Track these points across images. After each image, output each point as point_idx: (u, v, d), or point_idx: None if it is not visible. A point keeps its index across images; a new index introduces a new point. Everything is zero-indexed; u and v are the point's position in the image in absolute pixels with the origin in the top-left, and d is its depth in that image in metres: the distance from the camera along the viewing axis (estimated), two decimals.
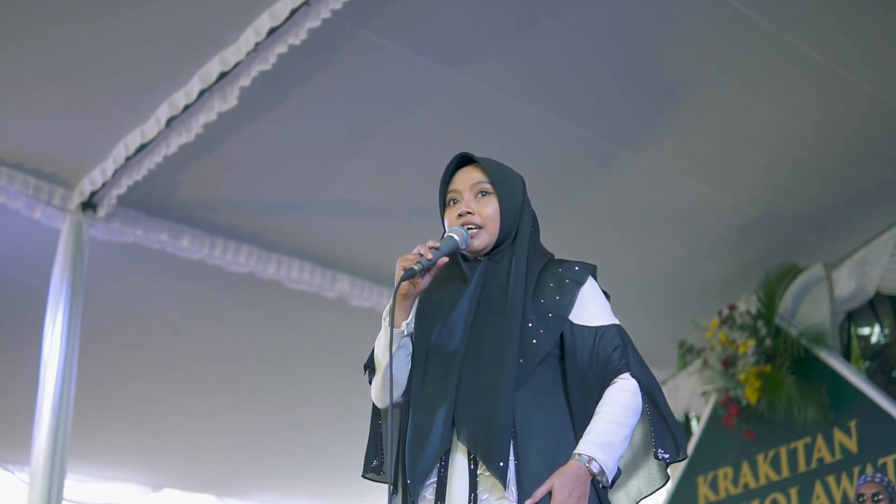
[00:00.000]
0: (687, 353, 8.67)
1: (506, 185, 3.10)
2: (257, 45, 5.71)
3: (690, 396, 8.94)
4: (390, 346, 2.91)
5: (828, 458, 7.27)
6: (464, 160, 3.15)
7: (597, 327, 2.98)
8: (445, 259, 2.93)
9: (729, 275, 8.25)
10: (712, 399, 8.20)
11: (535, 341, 2.91)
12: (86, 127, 6.53)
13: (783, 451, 7.59)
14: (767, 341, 7.66)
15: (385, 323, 2.96)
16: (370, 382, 3.08)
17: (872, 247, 7.66)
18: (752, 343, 7.68)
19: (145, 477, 10.81)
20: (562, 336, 2.97)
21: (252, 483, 11.09)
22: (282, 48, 5.71)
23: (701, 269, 8.25)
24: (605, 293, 3.14)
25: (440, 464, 2.88)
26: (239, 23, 5.72)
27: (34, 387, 6.98)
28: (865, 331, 7.93)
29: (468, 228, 3.01)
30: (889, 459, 6.86)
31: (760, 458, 7.74)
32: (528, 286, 2.99)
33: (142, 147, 6.50)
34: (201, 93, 6.07)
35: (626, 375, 2.94)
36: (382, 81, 6.33)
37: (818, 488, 7.26)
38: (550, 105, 6.62)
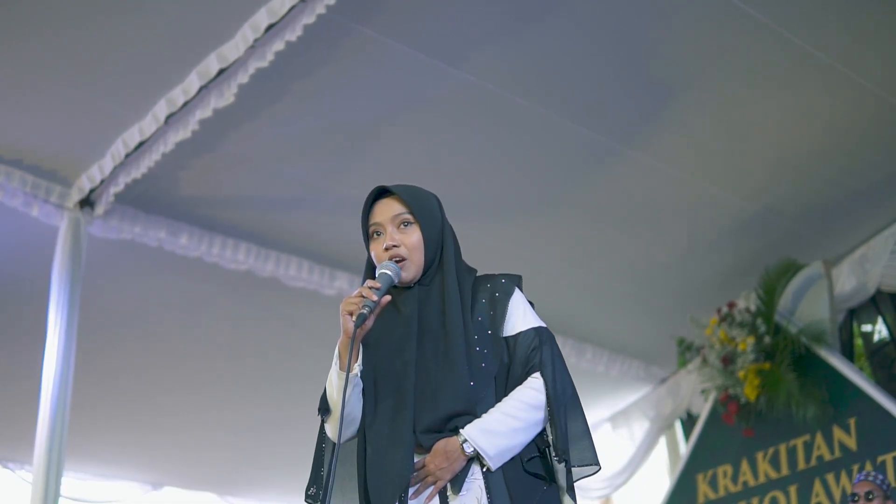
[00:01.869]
0: (686, 350, 8.66)
1: (425, 212, 3.20)
2: (255, 41, 5.71)
3: (690, 394, 8.94)
4: (345, 390, 3.00)
5: (827, 456, 7.26)
6: (380, 193, 3.24)
7: (517, 333, 3.11)
8: (388, 297, 3.04)
9: (728, 272, 8.25)
10: (712, 397, 8.20)
11: (483, 364, 3.05)
12: (84, 124, 6.53)
13: (783, 448, 7.59)
14: (767, 339, 7.66)
15: (336, 366, 3.07)
16: (324, 422, 3.19)
17: (873, 244, 7.65)
18: (751, 340, 7.67)
19: (146, 475, 10.80)
20: None
21: (253, 481, 11.09)
22: (279, 45, 5.70)
23: (700, 266, 8.24)
24: (530, 302, 3.24)
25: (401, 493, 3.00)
26: (236, 20, 5.72)
27: (34, 385, 6.99)
28: (868, 328, 7.92)
29: (396, 261, 3.11)
30: (888, 457, 6.85)
31: (760, 455, 7.74)
32: (464, 306, 3.11)
33: (140, 144, 6.49)
34: (199, 90, 6.06)
35: (537, 374, 3.06)
36: (380, 78, 6.32)
37: (817, 486, 7.25)
38: (551, 101, 6.62)
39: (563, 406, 3.04)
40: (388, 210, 3.19)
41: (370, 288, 3.00)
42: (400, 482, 2.97)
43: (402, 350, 3.08)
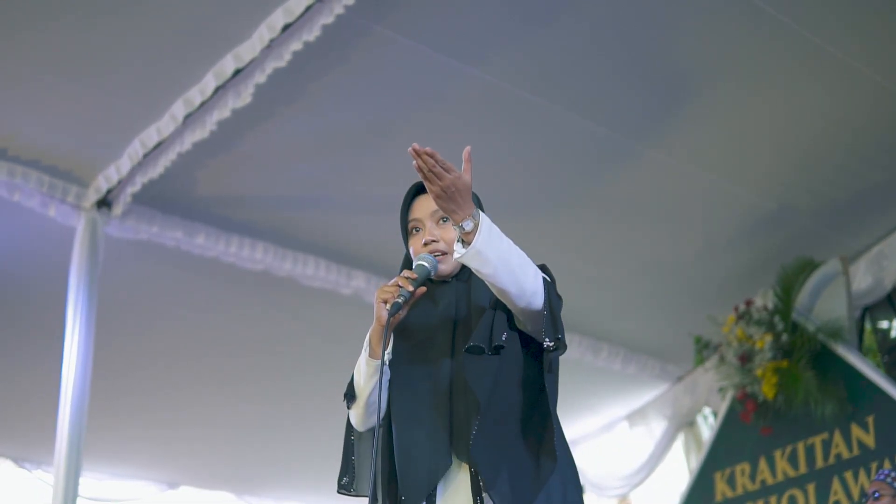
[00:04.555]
0: (703, 348, 8.64)
1: None
2: (271, 41, 5.72)
3: (707, 392, 8.93)
4: (380, 378, 3.01)
5: (845, 454, 7.24)
6: (420, 188, 3.25)
7: None
8: (424, 288, 3.05)
9: (745, 270, 8.23)
10: (729, 395, 8.18)
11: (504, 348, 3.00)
12: (100, 125, 6.54)
13: (800, 446, 7.56)
14: (784, 336, 7.63)
15: (366, 353, 3.09)
16: (349, 408, 3.19)
17: (890, 241, 7.64)
18: (769, 338, 7.65)
19: (162, 474, 10.83)
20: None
21: (270, 480, 11.10)
22: (296, 45, 5.71)
23: (717, 263, 8.23)
24: (555, 291, 3.17)
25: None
26: (253, 19, 5.73)
27: (50, 386, 7.01)
28: (884, 325, 7.90)
29: (435, 255, 3.12)
30: None
31: (778, 453, 7.71)
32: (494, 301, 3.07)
33: (157, 145, 6.51)
34: (216, 90, 6.07)
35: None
36: (397, 77, 6.32)
37: (836, 484, 7.22)
38: (565, 100, 6.61)
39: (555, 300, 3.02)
40: (427, 205, 3.19)
41: (407, 278, 3.02)
42: (437, 473, 2.95)
43: (437, 341, 3.08)
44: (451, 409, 2.99)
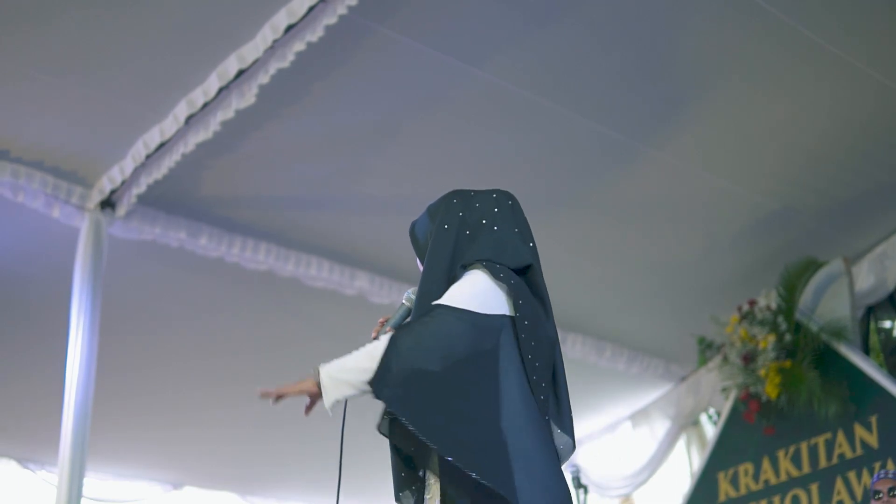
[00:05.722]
0: (707, 348, 8.65)
1: (412, 239, 3.41)
2: (275, 42, 5.72)
3: (711, 392, 8.92)
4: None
5: (848, 454, 7.24)
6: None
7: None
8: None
9: (748, 270, 8.23)
10: (732, 395, 8.17)
11: None
12: (104, 125, 6.55)
13: (804, 446, 7.56)
14: (787, 336, 7.63)
15: None
16: None
17: (892, 241, 7.65)
18: (772, 338, 7.65)
19: (166, 475, 10.82)
20: None
21: (274, 481, 11.09)
22: (299, 45, 5.72)
23: (720, 264, 8.23)
24: (508, 283, 3.18)
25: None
26: (256, 20, 5.74)
27: (54, 386, 7.01)
28: (886, 324, 7.89)
29: None
30: None
31: (781, 453, 7.71)
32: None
33: (161, 145, 6.51)
34: (220, 91, 6.08)
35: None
36: (400, 78, 6.33)
37: (839, 484, 7.22)
38: (569, 101, 6.62)
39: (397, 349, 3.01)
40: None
41: (382, 323, 3.25)
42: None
43: None
44: None
